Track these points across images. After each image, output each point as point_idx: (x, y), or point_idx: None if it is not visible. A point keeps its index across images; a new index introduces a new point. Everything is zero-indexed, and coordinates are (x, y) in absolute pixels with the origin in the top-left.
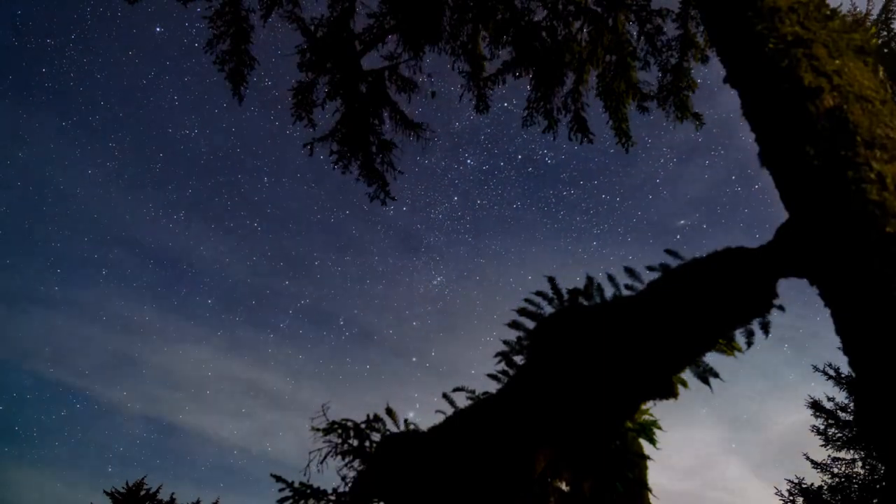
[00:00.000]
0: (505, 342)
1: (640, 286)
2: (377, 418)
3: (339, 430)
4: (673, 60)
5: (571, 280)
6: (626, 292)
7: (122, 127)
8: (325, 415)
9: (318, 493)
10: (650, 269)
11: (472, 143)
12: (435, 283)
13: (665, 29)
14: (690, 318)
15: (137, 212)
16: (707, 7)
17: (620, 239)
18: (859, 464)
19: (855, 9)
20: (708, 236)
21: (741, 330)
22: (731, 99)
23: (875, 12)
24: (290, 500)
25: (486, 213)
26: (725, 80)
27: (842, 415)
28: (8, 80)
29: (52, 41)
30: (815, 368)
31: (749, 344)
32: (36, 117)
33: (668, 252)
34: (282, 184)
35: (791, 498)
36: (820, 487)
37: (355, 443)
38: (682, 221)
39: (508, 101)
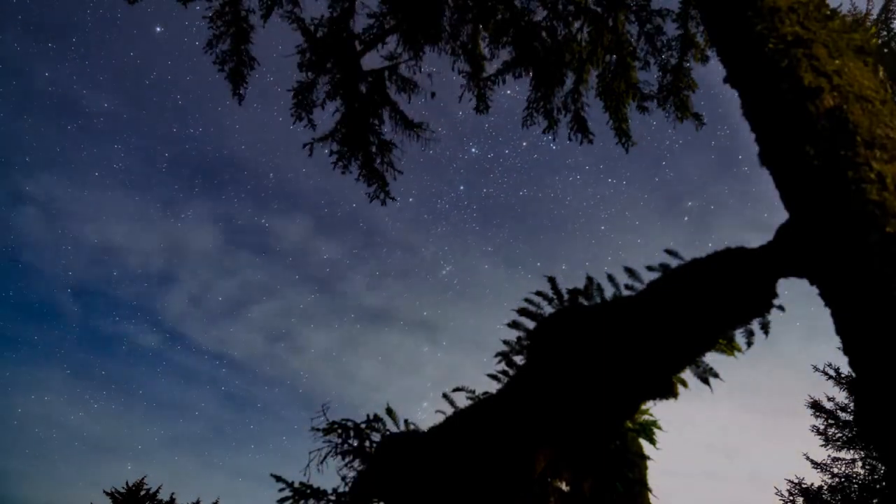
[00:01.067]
0: (505, 342)
1: (640, 286)
2: (377, 418)
3: (339, 430)
4: (673, 60)
5: (579, 266)
6: (626, 292)
7: (126, 128)
8: (324, 415)
9: (318, 493)
10: (650, 269)
11: (476, 132)
12: (444, 272)
13: (665, 29)
14: (690, 318)
15: (143, 212)
16: (707, 7)
17: (628, 223)
18: (859, 464)
19: (855, 9)
20: (716, 217)
21: (741, 330)
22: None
23: (875, 12)
24: (290, 500)
25: (493, 201)
26: (725, 80)
27: (842, 415)
28: (12, 84)
29: (54, 45)
30: (815, 368)
31: (749, 344)
32: (40, 120)
33: (668, 252)
34: (286, 179)
35: (791, 498)
36: (820, 487)
37: (355, 443)
38: (689, 203)
39: (511, 89)
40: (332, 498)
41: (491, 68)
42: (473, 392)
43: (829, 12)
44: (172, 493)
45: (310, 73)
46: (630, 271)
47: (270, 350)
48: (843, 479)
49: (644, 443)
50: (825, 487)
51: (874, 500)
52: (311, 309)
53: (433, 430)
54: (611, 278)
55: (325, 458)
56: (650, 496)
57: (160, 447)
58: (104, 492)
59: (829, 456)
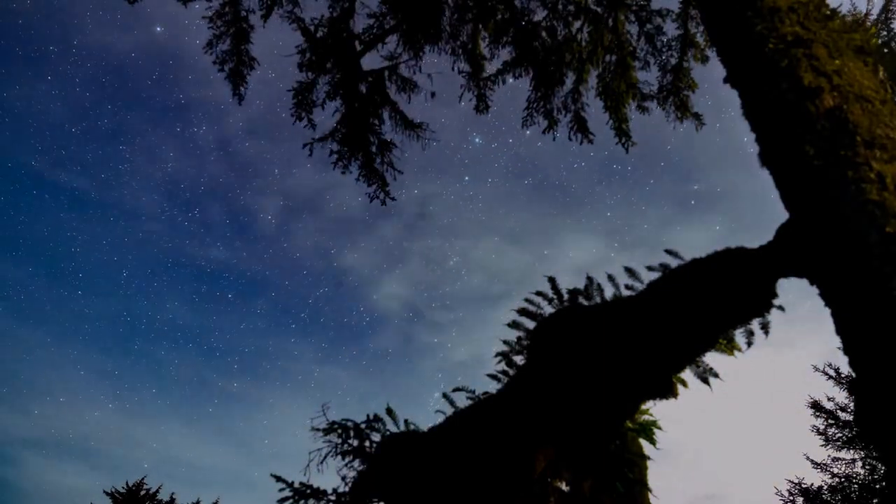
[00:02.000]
0: (505, 342)
1: (640, 286)
2: (377, 418)
3: (339, 431)
4: (673, 60)
5: (584, 256)
6: (626, 292)
7: (129, 128)
8: (325, 415)
9: (318, 493)
10: (650, 269)
11: (479, 122)
12: (451, 263)
13: (665, 29)
14: (690, 318)
15: (150, 212)
16: (707, 7)
17: (634, 208)
18: (859, 464)
19: (855, 9)
20: (723, 200)
21: (741, 330)
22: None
23: (875, 12)
24: (290, 500)
25: (498, 190)
26: (725, 80)
27: (842, 415)
28: (15, 89)
29: (55, 48)
30: (815, 368)
31: (749, 344)
32: (44, 123)
33: (668, 252)
34: (291, 175)
35: (791, 498)
36: (820, 487)
37: (355, 443)
38: (696, 187)
39: (512, 77)
40: (332, 498)
41: (491, 68)
42: (473, 392)
43: (829, 12)
44: (172, 494)
45: (310, 73)
46: (630, 271)
47: None
48: (843, 479)
49: (644, 443)
50: (825, 487)
51: (874, 500)
52: None
53: (433, 430)
54: (611, 278)
55: (325, 458)
56: (650, 496)
57: None
58: (104, 492)
59: (829, 456)
